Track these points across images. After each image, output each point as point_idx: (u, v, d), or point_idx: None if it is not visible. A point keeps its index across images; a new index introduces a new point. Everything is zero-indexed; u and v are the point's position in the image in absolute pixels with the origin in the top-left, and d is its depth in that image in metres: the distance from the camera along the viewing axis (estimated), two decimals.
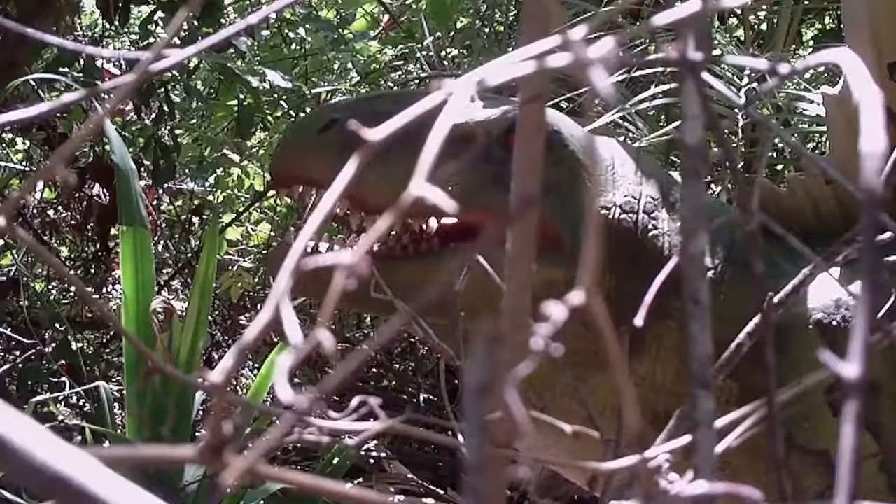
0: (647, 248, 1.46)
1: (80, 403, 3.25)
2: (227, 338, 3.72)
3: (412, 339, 3.50)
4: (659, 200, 1.50)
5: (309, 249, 0.44)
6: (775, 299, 0.93)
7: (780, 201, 1.59)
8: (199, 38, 2.87)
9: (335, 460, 2.41)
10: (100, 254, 3.64)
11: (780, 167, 3.07)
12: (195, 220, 3.93)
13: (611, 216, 1.46)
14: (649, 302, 0.70)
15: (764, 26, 3.41)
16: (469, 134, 1.41)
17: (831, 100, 1.61)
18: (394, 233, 1.44)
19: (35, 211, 3.90)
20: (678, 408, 1.06)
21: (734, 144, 2.56)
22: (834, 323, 1.47)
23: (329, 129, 1.40)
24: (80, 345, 3.30)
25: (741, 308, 1.40)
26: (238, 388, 3.38)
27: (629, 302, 1.27)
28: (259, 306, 3.66)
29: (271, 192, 3.69)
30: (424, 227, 1.45)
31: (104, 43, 3.97)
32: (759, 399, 0.62)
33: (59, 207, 3.96)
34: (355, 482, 2.72)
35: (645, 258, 1.44)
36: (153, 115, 3.38)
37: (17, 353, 3.35)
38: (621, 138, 2.44)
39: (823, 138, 3.13)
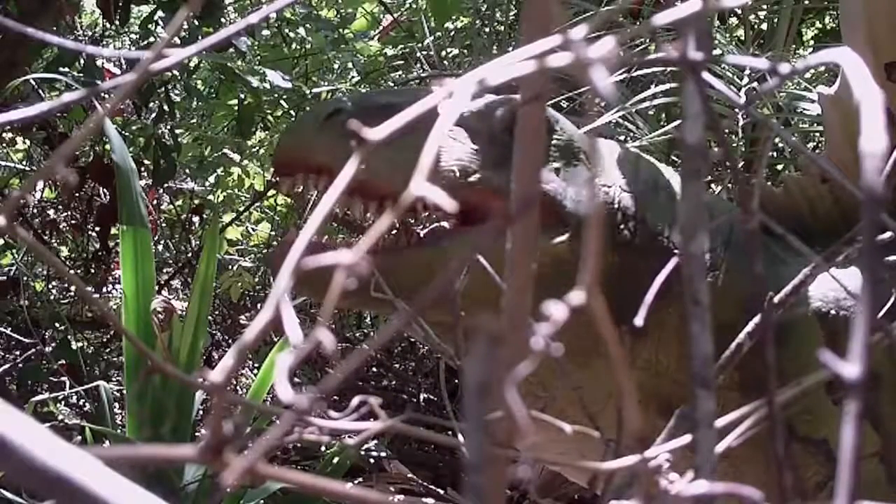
0: (646, 225, 1.47)
1: (80, 403, 3.25)
2: (227, 337, 3.72)
3: (412, 339, 3.50)
4: (653, 183, 1.52)
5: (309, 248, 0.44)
6: (776, 299, 0.93)
7: (776, 200, 1.60)
8: (200, 37, 2.87)
9: (335, 460, 2.41)
10: (100, 253, 3.63)
11: (780, 167, 3.07)
12: (195, 219, 3.93)
13: (611, 193, 1.47)
14: (650, 296, 0.70)
15: (764, 26, 3.41)
16: (472, 120, 1.43)
17: (827, 99, 1.61)
18: (397, 236, 1.44)
19: (35, 211, 3.90)
20: (681, 395, 1.06)
21: (734, 144, 2.56)
22: (833, 313, 1.48)
23: (333, 117, 1.40)
24: (80, 344, 3.30)
25: (739, 292, 1.41)
26: (238, 387, 3.38)
27: (630, 280, 1.28)
28: (259, 306, 3.66)
29: (271, 192, 3.70)
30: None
31: (104, 42, 3.98)
32: (759, 386, 0.62)
33: (59, 207, 3.96)
34: (355, 482, 2.72)
35: (644, 235, 1.46)
36: (153, 115, 3.38)
37: (17, 352, 3.35)
38: (621, 138, 2.45)
39: (823, 138, 3.13)
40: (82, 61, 2.94)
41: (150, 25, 3.17)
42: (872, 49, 1.54)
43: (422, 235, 1.44)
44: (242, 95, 3.22)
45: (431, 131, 0.43)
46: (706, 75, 0.56)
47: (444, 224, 1.44)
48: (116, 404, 2.86)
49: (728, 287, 1.43)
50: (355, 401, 0.61)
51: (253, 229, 3.95)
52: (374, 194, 1.39)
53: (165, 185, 3.49)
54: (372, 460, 2.88)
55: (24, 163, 3.81)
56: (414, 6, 3.86)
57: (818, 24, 3.81)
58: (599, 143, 1.58)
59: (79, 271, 3.67)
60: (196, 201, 3.85)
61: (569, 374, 1.39)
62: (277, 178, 1.63)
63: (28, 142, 3.80)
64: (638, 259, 1.42)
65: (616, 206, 1.47)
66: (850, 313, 1.48)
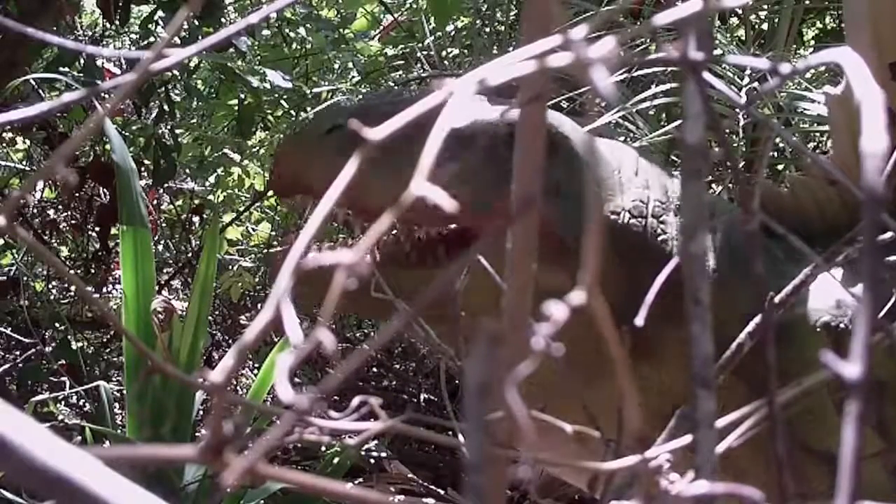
0: (656, 252, 1.45)
1: (80, 403, 3.25)
2: (227, 338, 3.72)
3: (413, 339, 3.50)
4: (666, 204, 1.49)
5: (310, 250, 0.44)
6: (776, 299, 0.93)
7: (782, 202, 1.59)
8: (200, 37, 2.87)
9: (335, 460, 2.41)
10: (100, 253, 3.63)
11: (780, 167, 3.07)
12: (195, 219, 3.92)
13: (620, 221, 1.45)
14: (653, 303, 0.70)
15: (765, 26, 3.41)
16: (473, 135, 1.41)
17: (833, 99, 1.61)
18: (398, 240, 1.43)
19: (35, 211, 3.90)
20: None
21: (735, 144, 2.56)
22: (837, 322, 1.47)
23: (331, 133, 1.39)
24: (80, 344, 3.30)
25: (742, 309, 1.40)
26: (238, 387, 3.38)
27: (638, 308, 1.27)
28: (259, 306, 3.66)
29: (272, 192, 3.69)
30: (427, 235, 1.44)
31: (104, 42, 3.98)
32: (759, 389, 0.62)
33: (59, 207, 3.96)
34: (355, 482, 2.72)
35: (654, 262, 1.44)
36: (153, 115, 3.38)
37: (17, 352, 3.35)
38: (622, 138, 2.44)
39: (824, 138, 3.13)
40: (82, 61, 2.94)
41: (150, 25, 3.17)
42: (877, 49, 1.53)
43: (421, 257, 1.43)
44: (242, 95, 3.22)
45: (430, 135, 0.43)
46: (707, 75, 0.56)
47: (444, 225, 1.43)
48: (116, 404, 2.85)
49: (731, 303, 1.42)
50: (355, 401, 0.61)
51: (253, 229, 3.95)
52: (373, 214, 1.38)
53: (165, 185, 3.49)
54: (372, 460, 2.87)
55: (24, 163, 3.81)
56: (414, 6, 3.86)
57: (819, 24, 3.81)
58: (610, 159, 1.53)
59: (79, 271, 3.67)
60: (196, 201, 3.85)
61: (572, 383, 1.39)
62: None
63: (28, 142, 3.80)
64: (646, 287, 1.40)
65: (624, 232, 1.45)
66: (854, 322, 1.48)
